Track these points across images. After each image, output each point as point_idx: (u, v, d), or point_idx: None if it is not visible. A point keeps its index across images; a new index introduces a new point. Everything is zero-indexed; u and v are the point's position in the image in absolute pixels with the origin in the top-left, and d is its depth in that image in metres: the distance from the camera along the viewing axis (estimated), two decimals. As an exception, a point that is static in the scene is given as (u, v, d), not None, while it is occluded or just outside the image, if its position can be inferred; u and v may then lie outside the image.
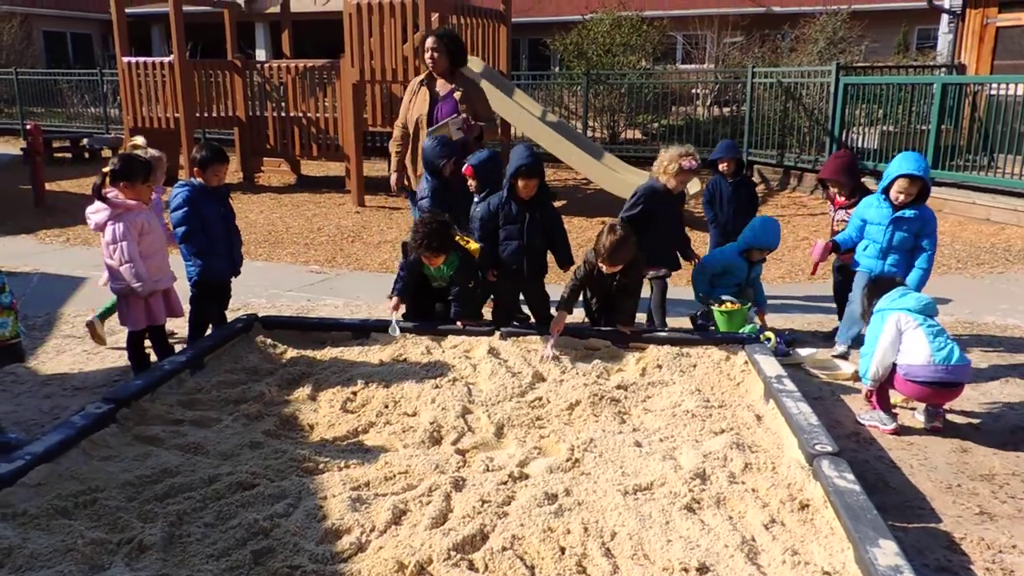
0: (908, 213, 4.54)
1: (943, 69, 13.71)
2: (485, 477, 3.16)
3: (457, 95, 5.70)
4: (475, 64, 10.91)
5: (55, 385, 4.45)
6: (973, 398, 4.32)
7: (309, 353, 4.52)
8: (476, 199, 5.12)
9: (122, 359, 4.64)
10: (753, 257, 5.17)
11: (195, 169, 4.62)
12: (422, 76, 5.87)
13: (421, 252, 4.56)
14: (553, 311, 4.72)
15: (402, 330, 4.69)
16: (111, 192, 4.16)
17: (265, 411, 3.79)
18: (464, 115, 5.60)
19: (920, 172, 4.50)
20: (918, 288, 4.44)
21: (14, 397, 4.29)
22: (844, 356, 4.85)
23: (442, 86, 5.79)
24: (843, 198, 5.24)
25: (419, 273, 4.79)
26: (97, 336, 4.99)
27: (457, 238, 4.68)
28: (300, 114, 12.06)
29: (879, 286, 4.13)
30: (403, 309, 4.82)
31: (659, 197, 5.03)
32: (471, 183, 5.11)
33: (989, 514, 3.16)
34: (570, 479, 3.14)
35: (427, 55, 5.75)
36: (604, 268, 4.46)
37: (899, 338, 3.84)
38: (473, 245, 4.73)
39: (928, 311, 3.90)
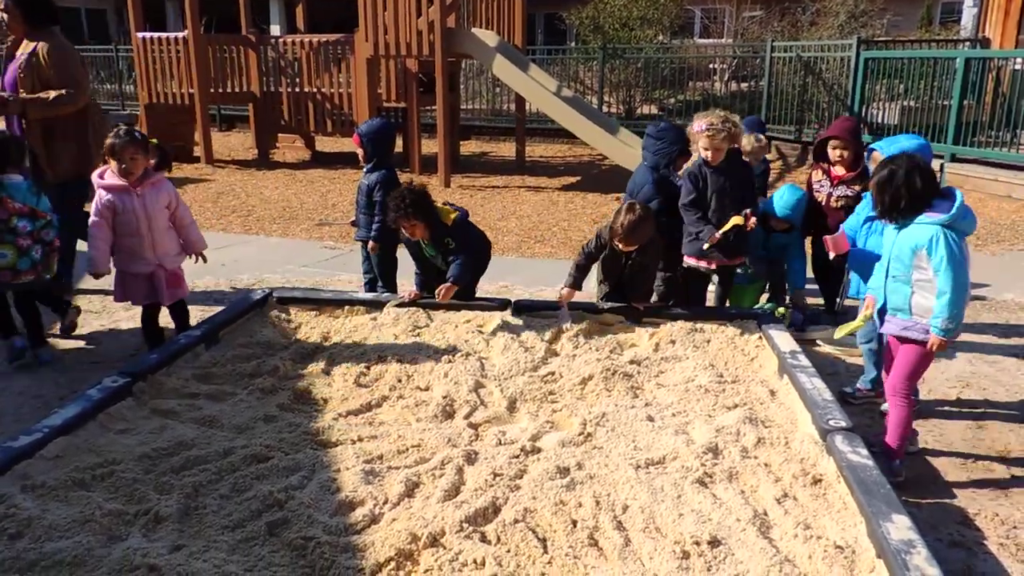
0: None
1: (967, 43, 13.47)
2: (497, 451, 3.17)
3: (23, 58, 5.14)
4: (490, 38, 10.83)
5: (72, 359, 4.51)
6: (990, 375, 4.28)
7: (323, 328, 4.54)
8: (365, 168, 5.11)
9: (139, 334, 4.69)
10: (776, 227, 4.89)
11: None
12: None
13: (398, 218, 4.47)
14: (559, 290, 4.64)
15: (414, 304, 4.71)
16: (102, 169, 4.21)
17: (279, 385, 3.81)
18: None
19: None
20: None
21: (32, 371, 4.34)
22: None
23: (23, 48, 5.25)
24: (843, 170, 4.74)
25: (421, 256, 4.77)
26: None
27: (442, 212, 4.56)
28: (314, 89, 12.03)
29: None
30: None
31: None
32: (359, 151, 5.10)
33: (1004, 490, 3.14)
34: (582, 453, 3.15)
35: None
36: (620, 247, 4.42)
37: None
38: (451, 215, 4.61)
39: None
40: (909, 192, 3.06)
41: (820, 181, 4.94)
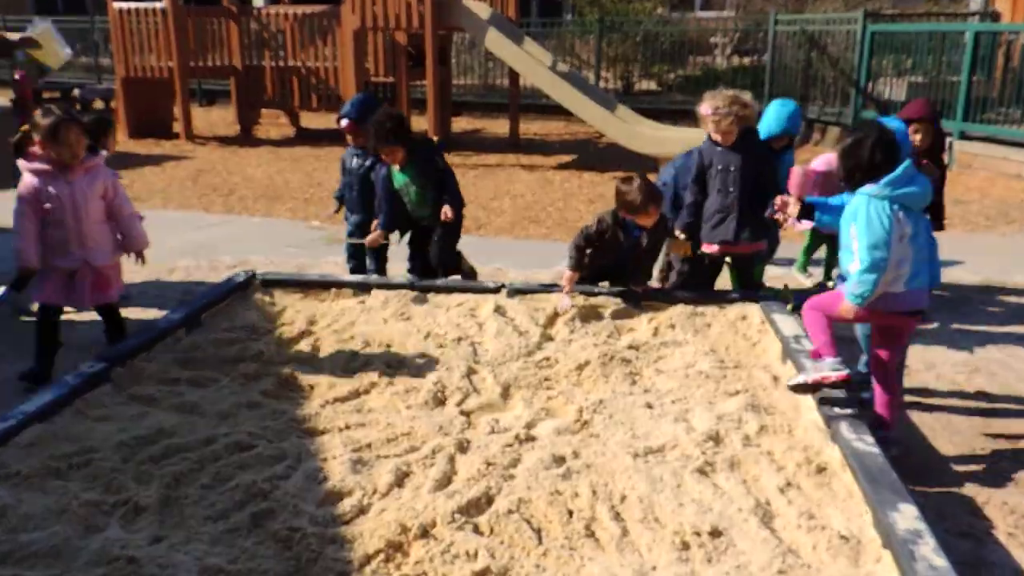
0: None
1: (976, 17, 13.42)
2: (490, 439, 3.16)
3: None
4: (482, 10, 10.73)
5: (48, 343, 4.46)
6: (999, 359, 4.29)
7: (309, 311, 4.51)
8: (355, 150, 5.09)
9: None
10: (775, 145, 4.84)
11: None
12: None
13: (376, 146, 4.67)
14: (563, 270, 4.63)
15: (409, 286, 4.71)
16: (33, 149, 3.93)
17: (263, 371, 3.79)
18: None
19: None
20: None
21: (3, 357, 4.31)
22: None
23: None
24: (919, 142, 4.54)
25: (397, 196, 4.82)
26: None
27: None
28: (299, 63, 11.93)
29: None
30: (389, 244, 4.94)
31: None
32: (350, 139, 5.08)
33: (1013, 478, 3.16)
34: (578, 441, 3.14)
35: None
36: (643, 221, 4.36)
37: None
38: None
39: None
40: (870, 161, 3.14)
41: None
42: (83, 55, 18.23)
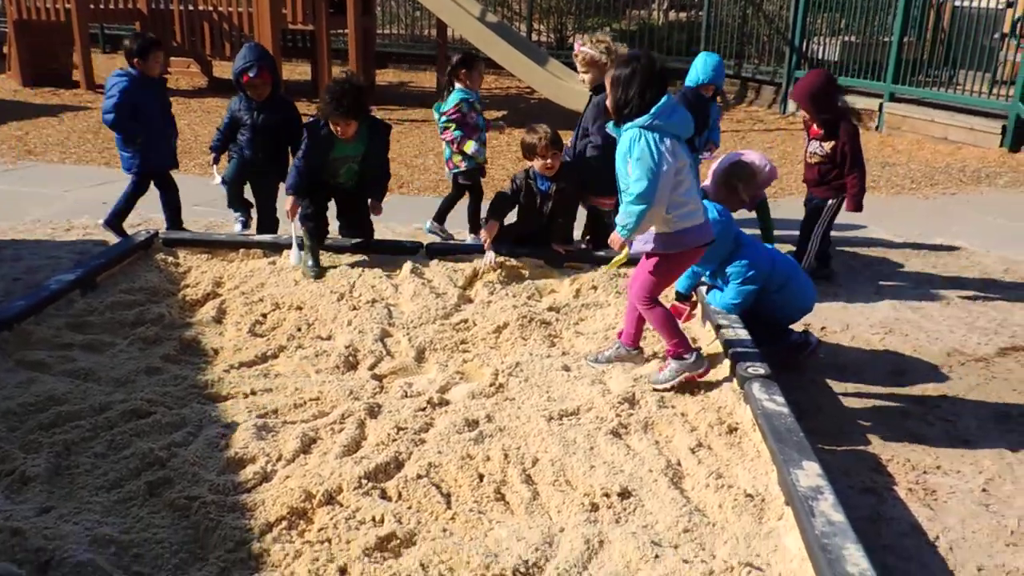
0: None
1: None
2: (402, 403, 3.19)
3: None
4: (407, -45, 10.54)
5: (-72, 307, 4.30)
6: (913, 321, 4.50)
7: (215, 272, 4.44)
8: (250, 103, 4.99)
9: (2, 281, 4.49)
10: (705, 93, 5.13)
11: (134, 59, 5.00)
12: None
13: (332, 115, 4.38)
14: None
15: (311, 248, 4.61)
16: None
17: (164, 334, 3.73)
18: None
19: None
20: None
21: None
22: None
23: None
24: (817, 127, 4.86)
25: (323, 159, 4.58)
26: None
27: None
28: (210, 8, 11.53)
29: None
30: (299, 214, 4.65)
31: None
32: (262, 88, 4.94)
33: (917, 436, 3.33)
34: (492, 404, 3.19)
35: None
36: (547, 163, 4.47)
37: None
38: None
39: None
40: (641, 96, 3.10)
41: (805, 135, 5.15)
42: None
